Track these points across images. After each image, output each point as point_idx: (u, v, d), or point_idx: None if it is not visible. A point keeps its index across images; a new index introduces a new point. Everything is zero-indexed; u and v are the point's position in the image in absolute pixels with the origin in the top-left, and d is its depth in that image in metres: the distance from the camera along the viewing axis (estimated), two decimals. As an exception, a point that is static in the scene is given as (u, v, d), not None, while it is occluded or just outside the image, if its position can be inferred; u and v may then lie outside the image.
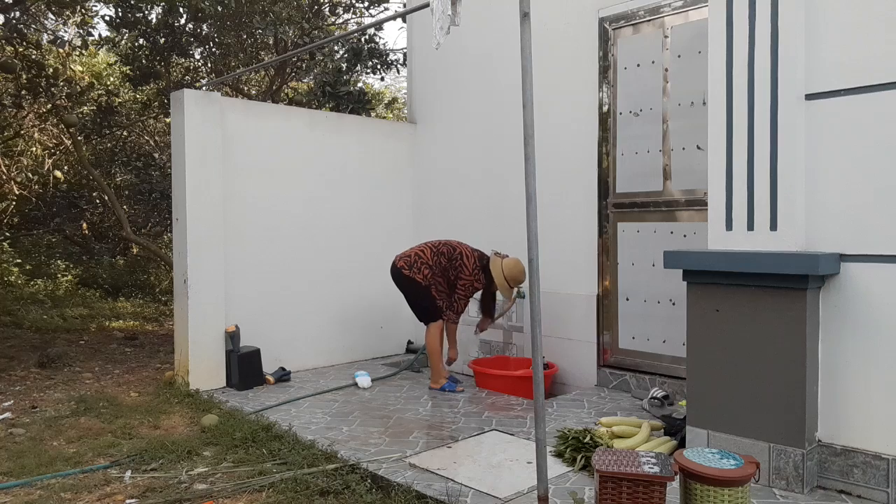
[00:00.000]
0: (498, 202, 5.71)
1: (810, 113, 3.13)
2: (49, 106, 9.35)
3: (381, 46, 9.72)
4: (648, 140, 4.77)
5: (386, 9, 10.03)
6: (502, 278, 4.97)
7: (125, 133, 11.46)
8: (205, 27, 9.10)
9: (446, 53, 5.69)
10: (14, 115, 9.90)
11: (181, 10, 8.36)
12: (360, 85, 10.26)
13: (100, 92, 9.94)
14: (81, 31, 8.87)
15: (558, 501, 2.97)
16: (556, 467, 3.36)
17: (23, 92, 9.07)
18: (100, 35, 9.53)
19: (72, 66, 9.66)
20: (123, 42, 9.35)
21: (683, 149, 4.58)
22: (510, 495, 3.06)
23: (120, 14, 8.30)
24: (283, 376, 5.39)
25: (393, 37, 30.41)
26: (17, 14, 8.09)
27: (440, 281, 5.07)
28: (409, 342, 6.54)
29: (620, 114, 4.94)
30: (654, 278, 4.71)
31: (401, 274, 5.06)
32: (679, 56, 4.59)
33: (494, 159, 5.79)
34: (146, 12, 8.56)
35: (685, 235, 4.58)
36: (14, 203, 11.14)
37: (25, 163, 11.33)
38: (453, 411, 4.53)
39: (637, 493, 2.57)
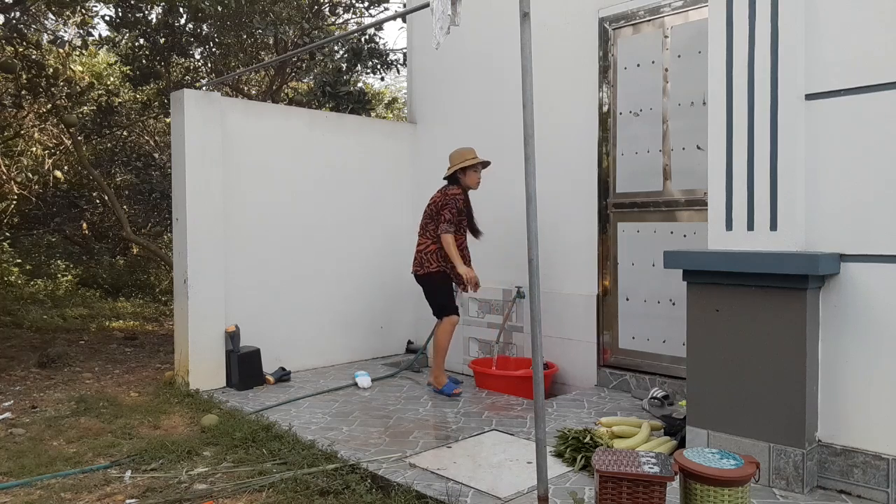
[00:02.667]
0: (498, 202, 5.71)
1: (810, 113, 3.13)
2: (49, 106, 9.34)
3: (381, 46, 9.72)
4: (648, 140, 4.77)
5: (386, 9, 10.04)
6: (455, 161, 4.98)
7: (125, 133, 11.45)
8: (205, 27, 9.10)
9: (446, 53, 5.69)
10: (14, 115, 9.89)
11: (181, 10, 8.36)
12: (360, 85, 10.26)
13: (100, 92, 9.94)
14: (81, 31, 8.87)
15: (558, 501, 2.97)
16: (556, 467, 3.36)
17: (23, 92, 9.06)
18: (100, 35, 9.53)
19: (72, 66, 9.66)
20: (123, 42, 9.35)
21: (683, 149, 4.58)
22: (510, 495, 3.06)
23: (120, 14, 8.30)
24: (283, 376, 5.39)
25: (393, 37, 30.44)
26: (17, 14, 8.08)
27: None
28: (409, 342, 6.54)
29: (620, 114, 4.94)
30: (654, 278, 4.71)
31: (417, 277, 5.08)
32: (679, 56, 4.59)
33: (494, 159, 5.78)
34: (146, 12, 8.56)
35: (685, 235, 4.58)
36: (14, 203, 11.14)
37: (25, 163, 11.33)
38: (453, 411, 4.53)
39: (637, 493, 2.57)
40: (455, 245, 4.95)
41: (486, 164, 5.06)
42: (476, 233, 5.16)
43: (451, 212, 4.90)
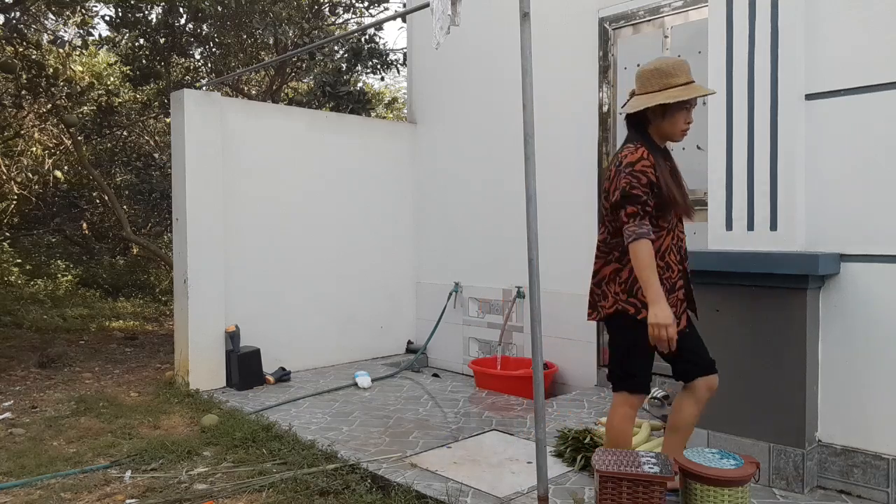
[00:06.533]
0: (498, 202, 5.71)
1: (810, 113, 3.13)
2: (49, 106, 9.34)
3: (381, 46, 9.73)
4: (648, 140, 4.76)
5: (386, 9, 10.04)
6: (649, 86, 2.81)
7: (125, 133, 11.46)
8: (205, 27, 9.11)
9: (446, 53, 5.68)
10: (14, 115, 9.89)
11: (181, 10, 8.37)
12: (360, 85, 10.26)
13: (100, 92, 9.94)
14: (81, 31, 8.88)
15: (558, 501, 2.97)
16: (556, 467, 3.36)
17: (23, 92, 9.07)
18: (100, 35, 9.55)
19: (72, 66, 9.66)
20: (123, 42, 9.35)
21: (683, 149, 4.58)
22: (510, 495, 3.06)
23: (120, 14, 8.31)
24: (283, 376, 5.39)
25: (393, 37, 30.45)
26: (17, 14, 8.09)
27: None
28: (409, 342, 6.53)
29: (620, 114, 4.94)
30: (654, 278, 4.70)
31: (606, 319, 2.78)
32: (679, 56, 4.59)
33: (494, 159, 5.78)
34: (146, 12, 8.56)
35: (685, 235, 4.57)
36: (14, 203, 11.14)
37: (25, 163, 11.33)
38: (453, 411, 4.53)
39: (637, 493, 2.57)
40: (650, 257, 2.57)
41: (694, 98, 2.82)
42: (689, 213, 2.92)
43: (632, 189, 2.64)
